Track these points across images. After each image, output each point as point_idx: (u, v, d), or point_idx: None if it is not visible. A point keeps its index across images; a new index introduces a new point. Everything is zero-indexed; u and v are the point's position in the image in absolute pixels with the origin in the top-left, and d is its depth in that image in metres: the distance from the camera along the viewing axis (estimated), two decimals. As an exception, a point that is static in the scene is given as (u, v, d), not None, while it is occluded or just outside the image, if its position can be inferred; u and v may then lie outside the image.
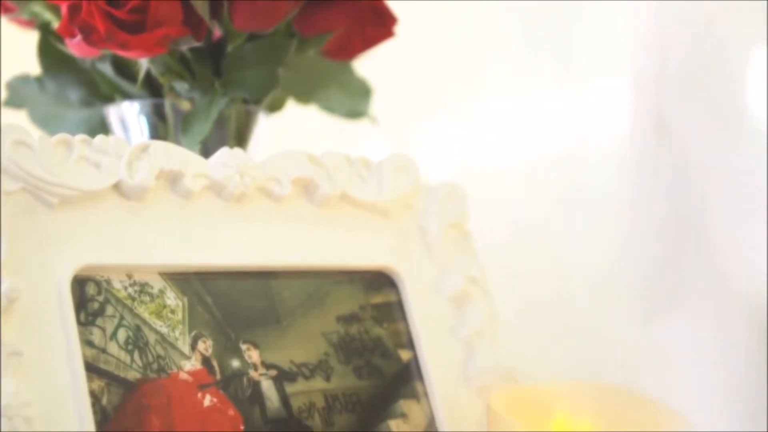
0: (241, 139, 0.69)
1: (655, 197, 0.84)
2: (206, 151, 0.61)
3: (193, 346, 0.56)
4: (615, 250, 0.87)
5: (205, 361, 0.56)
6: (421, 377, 0.63)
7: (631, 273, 0.86)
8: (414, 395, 0.63)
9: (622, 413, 0.59)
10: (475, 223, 0.69)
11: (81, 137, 0.55)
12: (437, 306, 0.65)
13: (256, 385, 0.58)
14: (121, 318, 0.55)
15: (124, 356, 0.54)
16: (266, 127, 0.72)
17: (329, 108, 0.75)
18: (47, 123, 0.71)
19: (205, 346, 0.57)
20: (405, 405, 0.62)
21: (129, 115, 0.69)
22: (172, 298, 0.57)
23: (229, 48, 0.67)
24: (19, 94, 0.73)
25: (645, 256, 0.85)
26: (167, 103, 0.68)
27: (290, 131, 0.80)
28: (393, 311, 0.64)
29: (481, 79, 0.97)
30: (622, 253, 0.87)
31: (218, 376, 0.56)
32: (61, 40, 0.65)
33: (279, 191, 0.61)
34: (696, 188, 0.82)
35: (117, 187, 0.56)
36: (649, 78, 0.85)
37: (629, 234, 0.87)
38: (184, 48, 0.64)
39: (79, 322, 0.53)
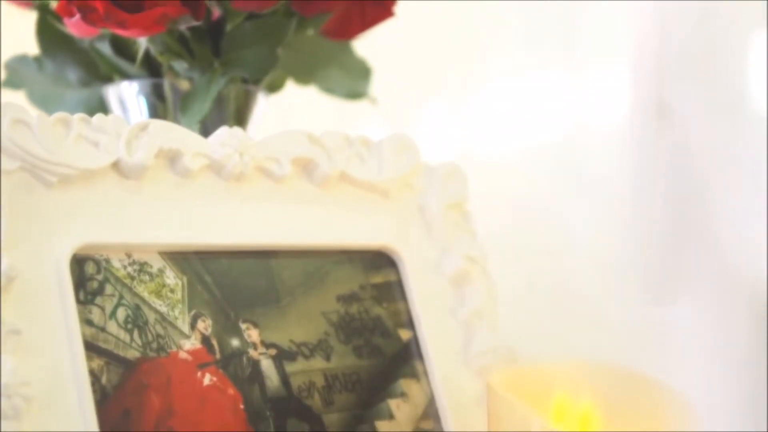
0: (240, 119, 0.69)
1: (656, 181, 0.84)
2: (205, 131, 0.61)
3: (193, 326, 0.56)
4: (616, 233, 0.87)
5: (205, 340, 0.56)
6: (420, 357, 0.63)
7: (632, 256, 0.86)
8: (414, 375, 0.63)
9: (622, 393, 0.59)
10: (475, 206, 0.69)
11: (79, 116, 0.55)
12: (437, 286, 0.65)
13: (255, 365, 0.57)
14: (121, 297, 0.55)
15: (123, 335, 0.54)
16: (265, 107, 0.72)
17: (329, 89, 0.75)
18: (46, 103, 0.71)
19: (205, 325, 0.57)
20: (405, 384, 0.62)
21: (128, 95, 0.69)
22: (171, 278, 0.57)
23: (228, 27, 0.67)
24: (17, 74, 0.72)
25: (646, 239, 0.85)
26: (166, 83, 0.68)
27: (289, 112, 0.80)
28: (393, 291, 0.64)
29: (482, 64, 0.97)
30: (624, 236, 0.87)
31: (218, 355, 0.56)
32: (59, 19, 0.65)
33: (278, 171, 0.61)
34: (696, 172, 0.82)
35: (116, 165, 0.56)
36: (649, 62, 0.84)
37: (630, 217, 0.87)
38: (182, 27, 0.64)
39: (78, 301, 0.53)
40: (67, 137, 0.55)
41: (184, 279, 0.57)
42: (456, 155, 0.96)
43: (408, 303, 0.64)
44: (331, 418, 0.59)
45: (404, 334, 0.64)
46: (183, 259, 0.57)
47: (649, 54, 0.84)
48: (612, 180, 0.87)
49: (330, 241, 0.63)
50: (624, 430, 0.58)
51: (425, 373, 0.63)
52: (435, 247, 0.66)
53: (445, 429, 0.62)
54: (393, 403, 0.61)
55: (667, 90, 0.83)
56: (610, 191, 0.87)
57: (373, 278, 0.64)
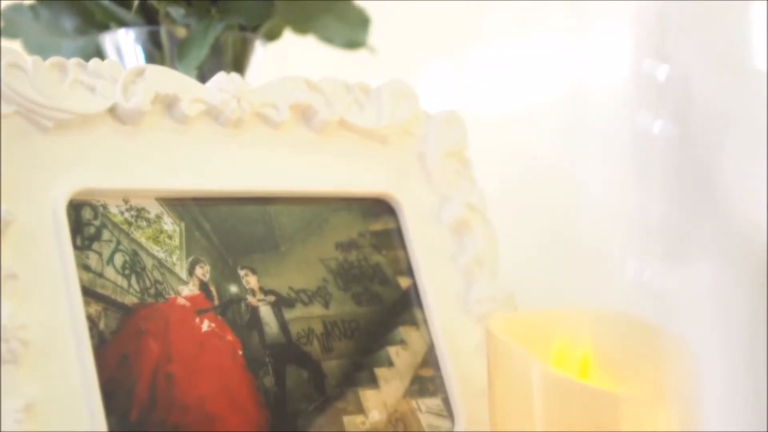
0: (238, 67, 0.69)
1: (657, 136, 0.84)
2: (202, 79, 0.60)
3: (191, 272, 0.56)
4: (618, 188, 0.87)
5: (203, 286, 0.56)
6: (420, 304, 0.63)
7: (633, 210, 0.86)
8: (413, 322, 0.63)
9: (622, 339, 0.59)
10: (481, 161, 0.69)
11: (75, 60, 0.55)
12: (436, 233, 0.65)
13: (254, 311, 0.57)
14: (118, 243, 0.54)
15: (121, 281, 0.53)
16: (264, 56, 0.71)
17: (327, 38, 0.74)
18: (42, 52, 0.70)
19: (203, 271, 0.56)
20: (404, 332, 0.62)
21: (124, 43, 0.68)
22: (169, 224, 0.56)
23: (225, -27, 0.66)
24: (13, 23, 0.72)
25: (648, 192, 0.85)
26: (163, 30, 0.67)
27: (287, 63, 0.79)
28: (392, 238, 0.64)
29: (484, 20, 0.96)
30: (626, 191, 0.86)
31: (216, 302, 0.56)
32: (54, -34, 0.64)
33: (276, 117, 0.60)
34: (697, 126, 0.81)
35: (112, 111, 0.55)
36: (651, 17, 0.84)
37: (632, 171, 0.86)
38: (179, -27, 0.63)
39: (75, 247, 0.52)
40: (62, 82, 0.54)
41: (182, 225, 0.57)
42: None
43: (407, 250, 0.64)
44: (330, 365, 0.59)
45: (403, 282, 0.64)
46: (180, 205, 0.57)
47: (650, 9, 0.83)
48: (614, 134, 0.87)
49: (328, 188, 0.62)
50: (623, 376, 0.58)
51: (425, 321, 0.63)
52: (434, 194, 0.66)
53: (444, 376, 0.62)
54: (392, 350, 0.61)
55: (668, 44, 0.83)
56: (612, 146, 0.87)
57: (372, 225, 0.64)
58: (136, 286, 0.54)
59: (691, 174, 0.80)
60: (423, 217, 0.65)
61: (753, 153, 0.75)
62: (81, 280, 0.52)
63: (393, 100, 0.64)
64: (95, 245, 0.53)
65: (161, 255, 0.55)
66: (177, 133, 0.57)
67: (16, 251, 0.50)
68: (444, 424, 0.61)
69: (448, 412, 0.62)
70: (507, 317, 0.60)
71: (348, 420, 0.58)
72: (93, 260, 0.53)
